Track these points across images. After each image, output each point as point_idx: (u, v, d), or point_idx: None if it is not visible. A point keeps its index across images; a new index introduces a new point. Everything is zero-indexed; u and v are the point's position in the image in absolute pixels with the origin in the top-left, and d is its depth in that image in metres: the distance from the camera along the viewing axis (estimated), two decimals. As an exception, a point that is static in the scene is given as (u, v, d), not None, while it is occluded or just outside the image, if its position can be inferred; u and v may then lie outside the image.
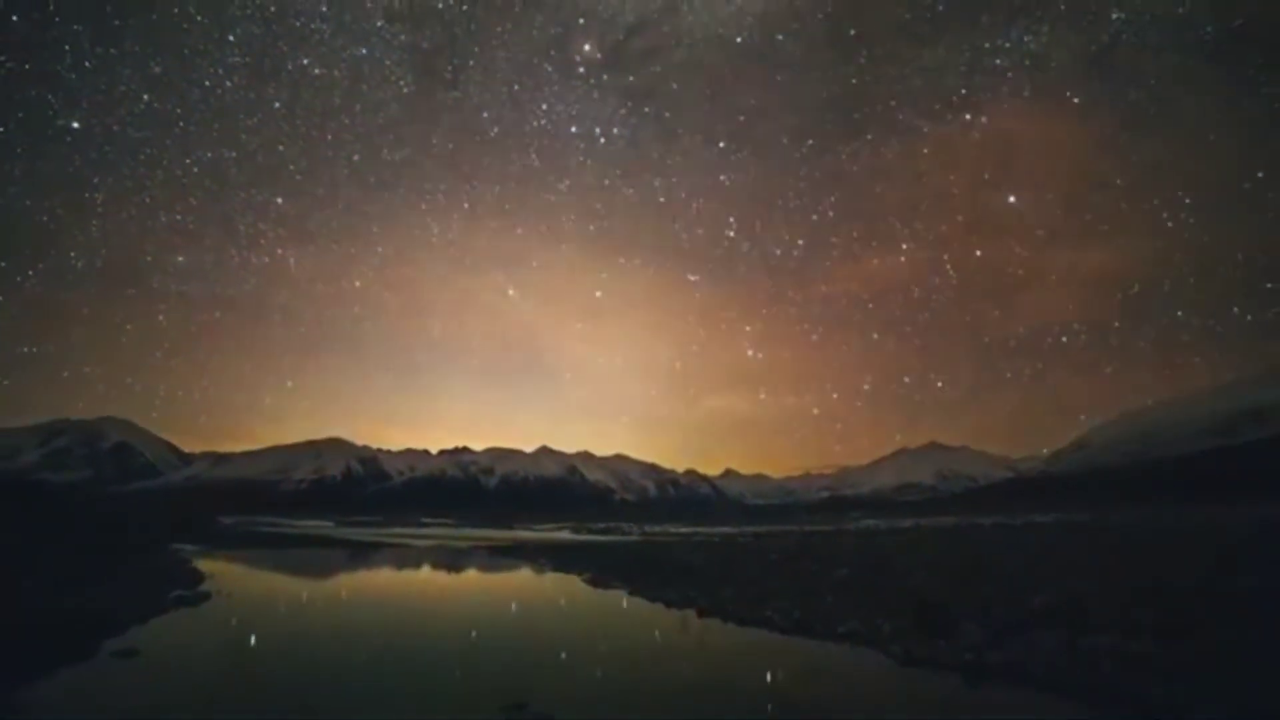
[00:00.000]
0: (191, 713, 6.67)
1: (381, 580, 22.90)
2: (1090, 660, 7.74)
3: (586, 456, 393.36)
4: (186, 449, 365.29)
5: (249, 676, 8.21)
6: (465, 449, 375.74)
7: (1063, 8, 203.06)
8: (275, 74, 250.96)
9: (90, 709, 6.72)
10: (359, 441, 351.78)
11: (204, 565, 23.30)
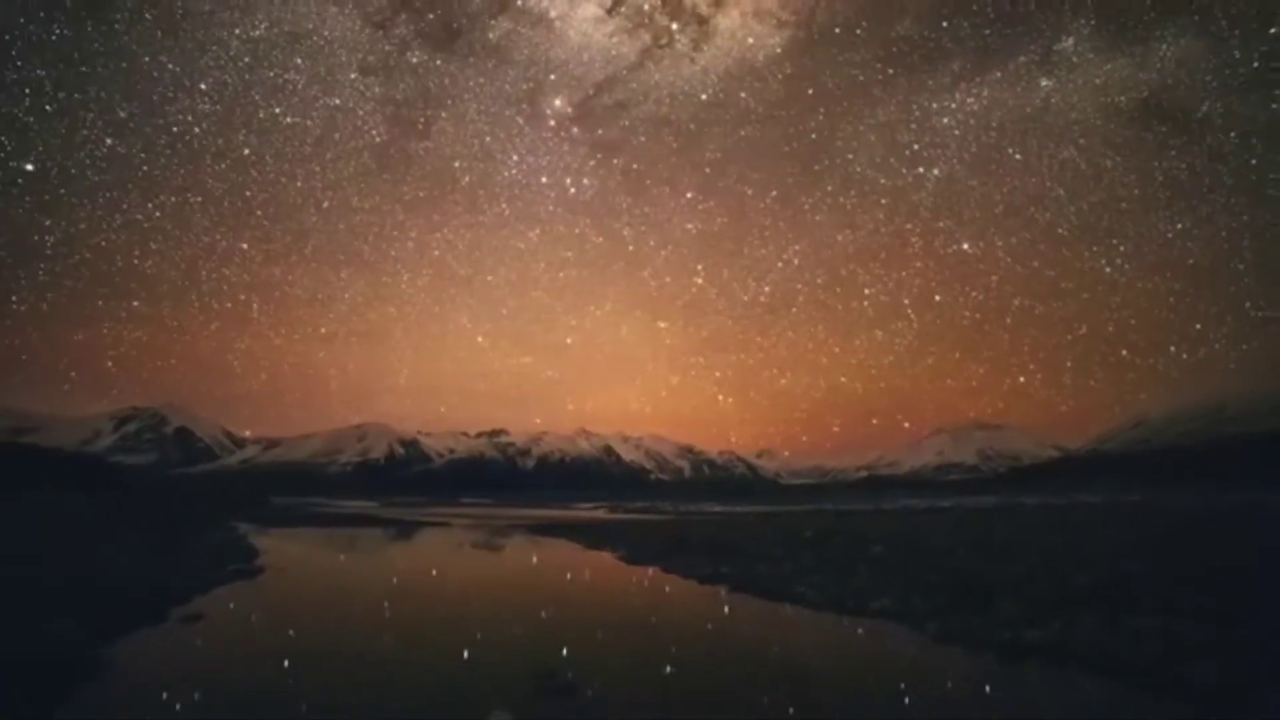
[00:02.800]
0: (248, 671, 7.16)
1: (422, 556, 23.79)
2: (1135, 641, 7.48)
3: (622, 437, 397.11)
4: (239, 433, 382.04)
5: (299, 642, 8.72)
6: (503, 430, 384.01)
7: (998, 75, 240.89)
8: (246, 122, 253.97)
9: (162, 665, 7.28)
10: (400, 425, 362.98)
11: (259, 542, 24.66)
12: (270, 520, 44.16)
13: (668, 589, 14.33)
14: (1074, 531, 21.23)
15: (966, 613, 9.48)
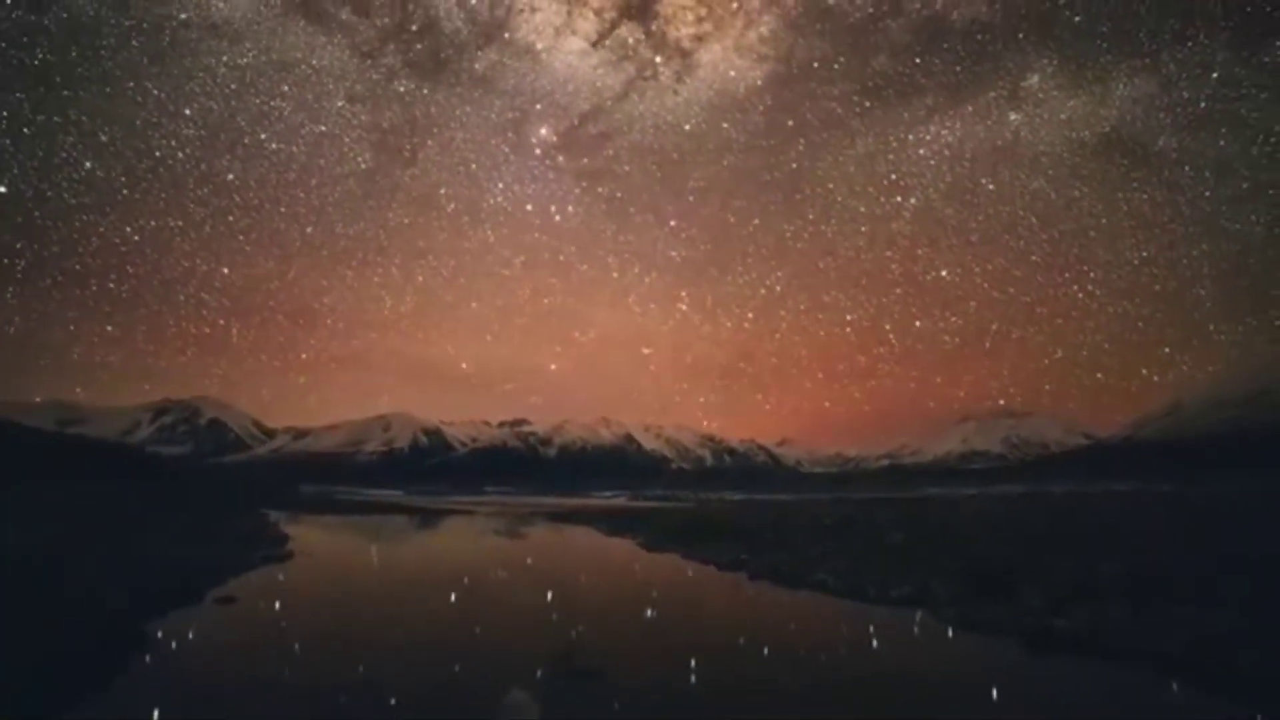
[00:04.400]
0: (279, 650, 7.42)
1: (445, 543, 24.27)
2: (1163, 630, 7.32)
3: (644, 426, 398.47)
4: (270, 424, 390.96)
5: (327, 623, 8.99)
6: (524, 420, 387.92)
7: (970, 109, 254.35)
8: (231, 147, 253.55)
9: (199, 643, 7.59)
10: (423, 415, 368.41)
11: (288, 528, 25.36)
12: (299, 508, 45.41)
13: (687, 575, 14.41)
14: (1102, 520, 20.78)
15: (988, 601, 9.37)
